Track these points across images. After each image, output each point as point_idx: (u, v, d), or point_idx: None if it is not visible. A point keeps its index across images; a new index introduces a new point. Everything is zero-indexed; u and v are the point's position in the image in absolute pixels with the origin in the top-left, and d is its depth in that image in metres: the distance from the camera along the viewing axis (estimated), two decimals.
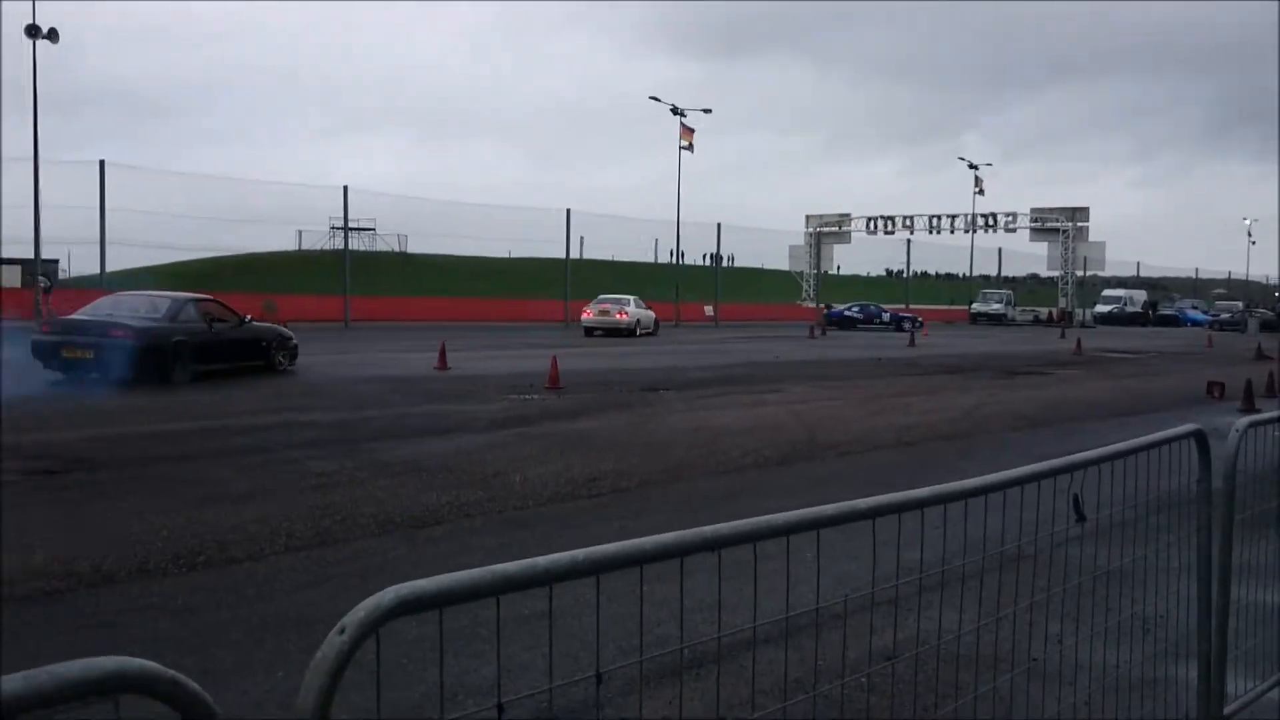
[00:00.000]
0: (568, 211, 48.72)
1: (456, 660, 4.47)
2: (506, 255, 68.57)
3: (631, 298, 38.96)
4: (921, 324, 49.38)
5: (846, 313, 53.46)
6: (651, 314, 39.65)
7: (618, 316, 36.93)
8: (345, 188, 41.11)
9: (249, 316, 19.26)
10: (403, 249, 69.64)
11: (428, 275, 57.32)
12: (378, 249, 68.73)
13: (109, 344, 15.75)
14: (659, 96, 55.41)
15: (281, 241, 65.64)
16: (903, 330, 45.97)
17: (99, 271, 35.84)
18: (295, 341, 19.74)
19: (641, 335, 37.24)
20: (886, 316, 52.64)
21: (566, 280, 47.29)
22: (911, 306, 63.15)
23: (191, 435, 11.24)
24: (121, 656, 1.32)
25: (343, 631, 1.58)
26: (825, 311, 52.87)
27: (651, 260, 74.76)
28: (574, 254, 51.36)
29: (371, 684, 1.68)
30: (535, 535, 7.17)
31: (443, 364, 20.23)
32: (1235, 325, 61.34)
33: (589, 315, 37.55)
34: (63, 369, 16.08)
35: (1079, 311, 66.64)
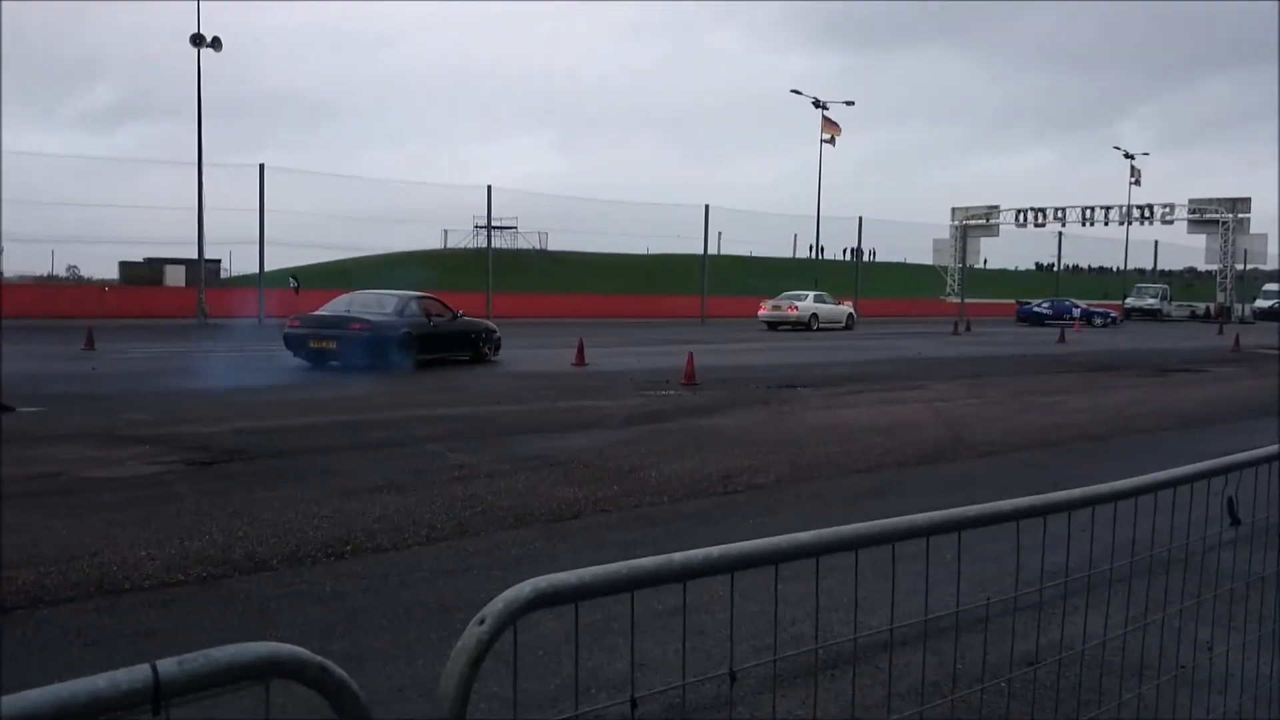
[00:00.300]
0: (706, 208, 48.79)
1: (590, 654, 4.53)
2: (645, 252, 69.08)
3: (811, 293, 42.10)
4: (1116, 319, 48.17)
5: (1036, 309, 53.30)
6: (842, 308, 42.83)
7: (788, 310, 40.47)
8: (489, 187, 42.12)
9: (461, 312, 21.26)
10: (543, 246, 70.88)
11: (567, 272, 58.20)
12: (519, 246, 70.13)
13: (349, 336, 18.33)
14: (801, 90, 54.90)
15: (428, 240, 67.65)
16: (1094, 325, 45.07)
17: (258, 270, 37.54)
18: (499, 335, 21.80)
19: (824, 329, 39.45)
20: (1077, 311, 51.41)
21: (704, 276, 47.34)
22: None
23: (336, 428, 11.68)
24: (273, 642, 1.39)
25: (483, 622, 1.62)
26: (1017, 308, 52.68)
27: (790, 255, 74.13)
28: (711, 250, 51.36)
29: (508, 674, 1.72)
30: (669, 531, 7.21)
31: (580, 360, 20.50)
32: None
33: (764, 310, 41.26)
34: (310, 358, 18.82)
35: (1238, 307, 63.22)
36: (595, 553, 6.43)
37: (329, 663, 1.41)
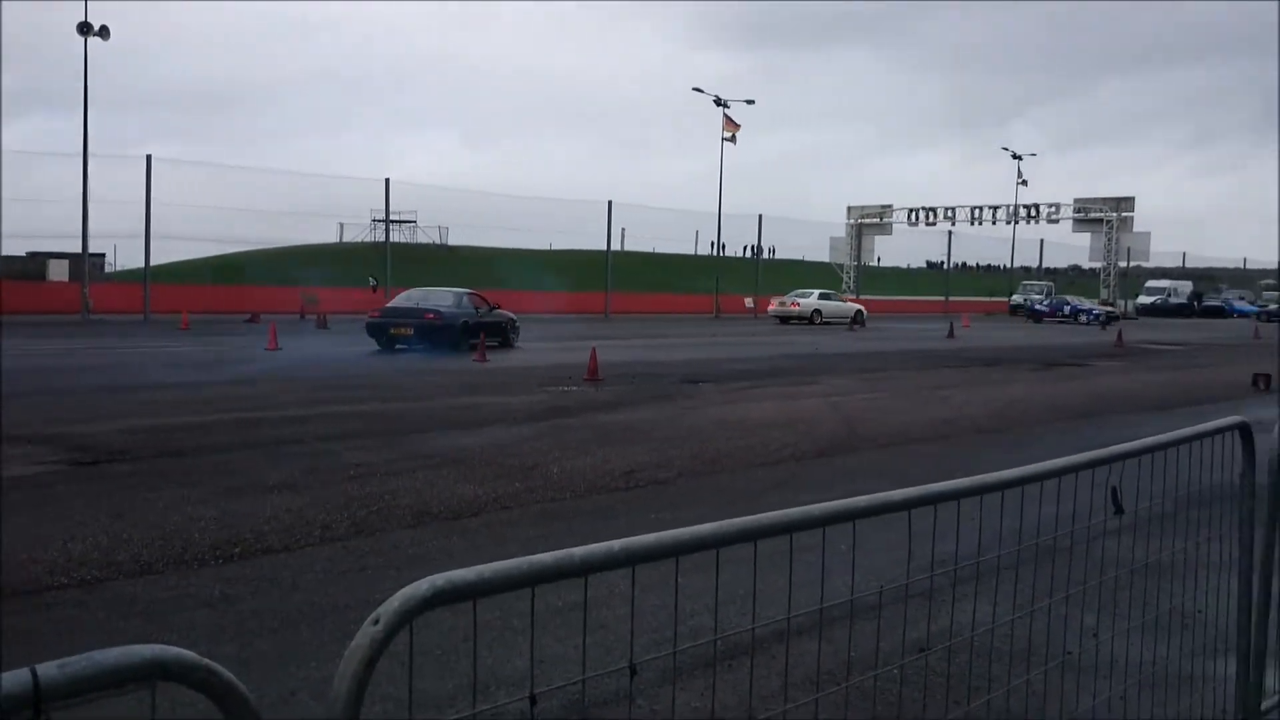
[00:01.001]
0: (609, 204, 48.86)
1: (490, 652, 4.50)
2: (548, 248, 68.77)
3: (816, 291, 47.66)
4: (1117, 317, 50.40)
5: (1037, 306, 57.30)
6: (847, 305, 46.97)
7: (791, 306, 45.48)
8: (387, 180, 41.51)
9: (497, 305, 25.13)
10: (443, 241, 70.07)
11: (468, 267, 57.61)
12: (418, 240, 69.22)
13: (423, 324, 22.39)
14: (703, 88, 55.29)
15: (323, 234, 66.30)
16: (1080, 322, 47.78)
17: (144, 265, 36.33)
18: (519, 324, 25.80)
19: (825, 324, 43.18)
20: (1068, 309, 54.61)
21: (608, 272, 47.41)
22: (950, 299, 62.69)
23: (229, 426, 11.38)
24: (158, 645, 1.34)
25: (377, 622, 1.59)
26: (1024, 304, 55.43)
27: (692, 252, 74.60)
28: (615, 246, 51.41)
29: (405, 674, 1.69)
30: (572, 527, 7.20)
31: (482, 356, 20.35)
32: None
33: (773, 307, 46.52)
34: (389, 342, 22.57)
35: (1121, 303, 65.73)
36: (496, 550, 6.39)
37: (216, 665, 1.37)
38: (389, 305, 24.89)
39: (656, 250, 72.32)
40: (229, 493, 7.93)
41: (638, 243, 69.20)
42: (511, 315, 25.61)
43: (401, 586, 1.62)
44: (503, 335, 24.49)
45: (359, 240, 64.48)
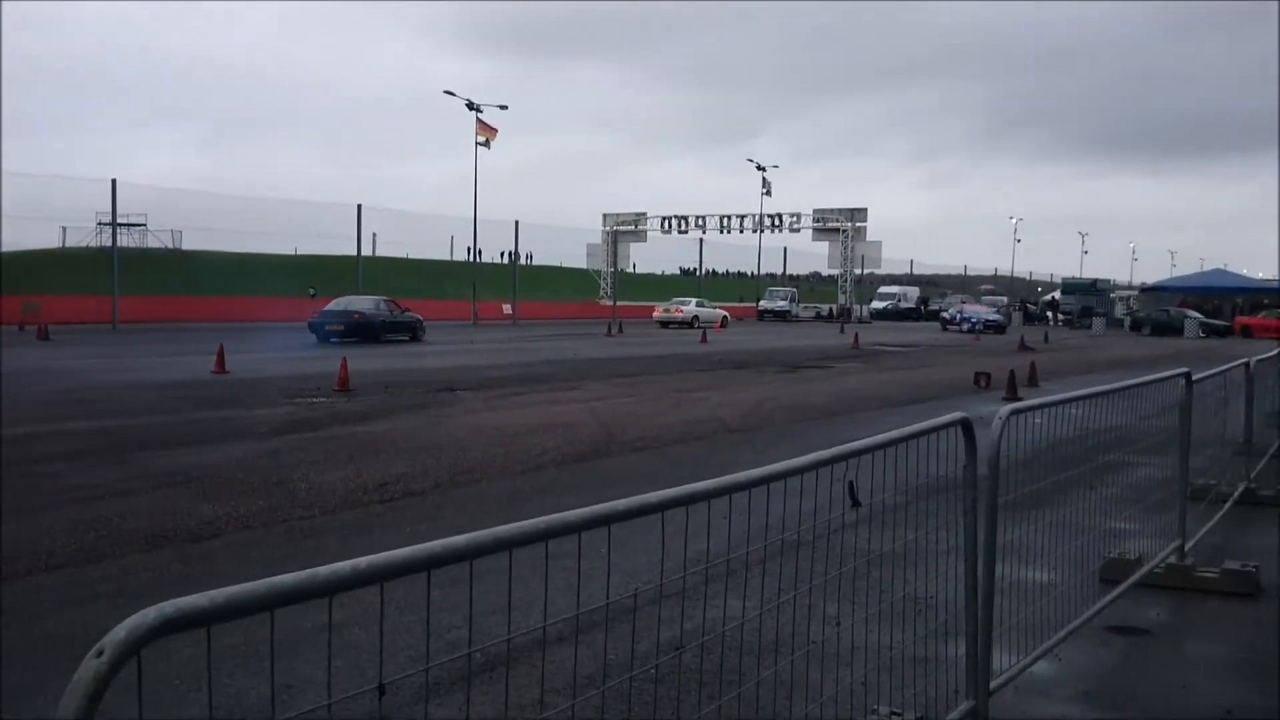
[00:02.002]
0: (359, 207, 47.35)
1: (233, 679, 4.25)
2: (293, 252, 66.12)
3: (694, 299, 53.77)
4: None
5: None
6: (717, 311, 52.74)
7: (675, 313, 51.51)
8: (114, 181, 38.57)
9: (407, 309, 32.84)
10: (176, 245, 65.97)
11: (205, 273, 54.50)
12: (148, 245, 64.84)
13: (351, 323, 30.40)
14: (455, 92, 54.58)
15: (43, 239, 61.10)
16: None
17: None
18: (424, 324, 33.27)
19: (701, 328, 44.92)
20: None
21: (358, 277, 45.97)
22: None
23: None
24: None
25: (101, 654, 1.48)
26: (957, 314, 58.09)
27: (448, 258, 73.67)
28: (366, 251, 49.97)
29: (146, 708, 1.56)
30: (322, 545, 6.93)
31: (220, 367, 19.29)
32: (998, 328, 65.68)
33: (658, 313, 52.60)
34: (325, 336, 30.02)
35: (857, 308, 69.94)
36: (239, 572, 6.04)
37: None
38: (325, 309, 31.87)
39: (410, 256, 70.98)
40: None
41: (390, 248, 67.73)
42: (418, 316, 33.10)
43: (133, 614, 1.50)
44: (411, 332, 32.16)
45: (84, 245, 59.79)
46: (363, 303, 32.11)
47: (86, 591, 5.81)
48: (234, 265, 58.29)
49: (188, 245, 64.29)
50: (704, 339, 36.53)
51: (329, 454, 10.40)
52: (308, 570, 1.79)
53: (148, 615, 1.55)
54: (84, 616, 5.35)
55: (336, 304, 32.37)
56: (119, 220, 41.59)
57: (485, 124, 55.43)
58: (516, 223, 57.40)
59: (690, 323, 49.70)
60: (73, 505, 7.79)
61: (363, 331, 30.20)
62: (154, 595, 5.42)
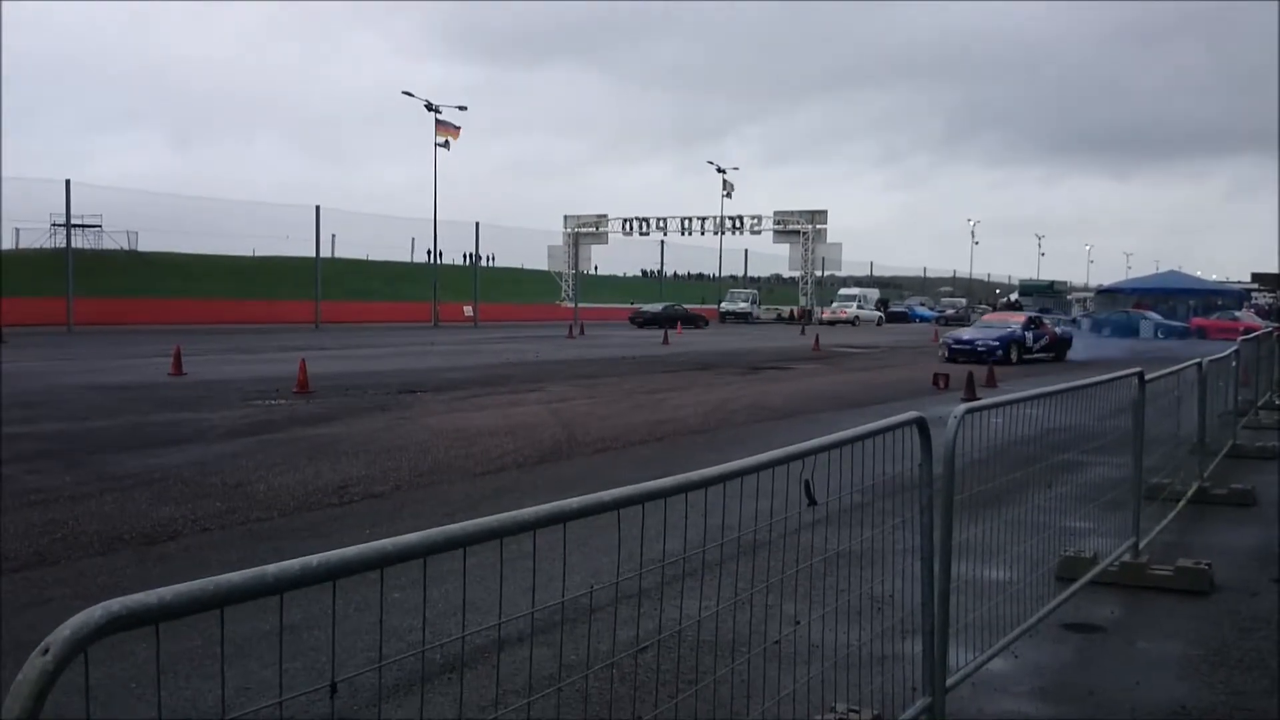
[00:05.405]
0: (317, 208, 46.92)
1: (188, 681, 4.19)
2: (251, 254, 65.44)
3: (854, 301, 65.55)
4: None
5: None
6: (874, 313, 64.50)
7: (840, 314, 63.35)
8: (68, 181, 37.99)
9: None
10: (132, 246, 65.04)
11: (162, 275, 53.82)
12: (104, 246, 63.86)
13: None
14: (413, 93, 54.29)
15: None
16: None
17: None
18: None
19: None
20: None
21: (317, 280, 45.59)
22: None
23: None
24: None
25: (46, 652, 1.46)
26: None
27: (408, 260, 73.22)
28: (325, 253, 49.56)
29: (94, 708, 1.54)
30: (280, 547, 6.85)
31: (178, 369, 19.05)
32: (960, 320, 66.25)
33: (826, 314, 63.66)
34: None
35: (817, 309, 70.33)
36: (195, 574, 5.94)
37: None
38: None
39: (370, 258, 70.47)
40: None
41: (350, 249, 67.20)
42: None
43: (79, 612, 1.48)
44: None
45: (37, 246, 58.80)
46: None
47: (40, 595, 5.71)
48: (191, 266, 57.61)
49: (144, 247, 63.42)
50: (666, 340, 36.58)
51: (288, 456, 10.30)
52: (256, 569, 1.77)
53: (94, 613, 1.54)
54: (36, 620, 5.26)
55: None
56: (73, 221, 40.98)
57: (445, 124, 55.22)
58: (477, 224, 57.21)
59: (852, 323, 61.53)
60: (28, 508, 7.67)
61: None
62: (110, 598, 5.34)
